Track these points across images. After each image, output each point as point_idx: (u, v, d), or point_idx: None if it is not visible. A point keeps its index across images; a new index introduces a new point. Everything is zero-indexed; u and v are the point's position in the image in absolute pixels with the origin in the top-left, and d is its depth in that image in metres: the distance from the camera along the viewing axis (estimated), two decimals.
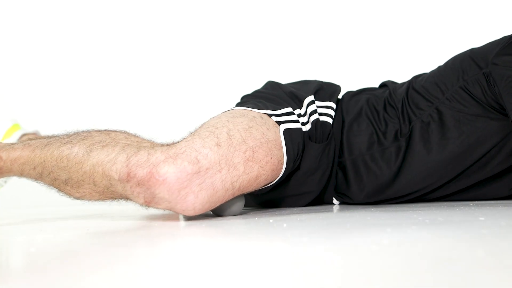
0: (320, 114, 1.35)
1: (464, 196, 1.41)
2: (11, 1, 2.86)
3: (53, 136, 1.24)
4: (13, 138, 1.89)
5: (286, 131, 1.27)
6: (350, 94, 1.50)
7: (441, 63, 1.47)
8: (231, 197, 1.18)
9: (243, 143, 1.17)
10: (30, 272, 0.73)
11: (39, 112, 2.74)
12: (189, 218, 1.27)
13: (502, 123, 1.31)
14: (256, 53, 2.71)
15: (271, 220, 1.13)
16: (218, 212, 1.27)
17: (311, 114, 1.34)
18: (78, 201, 1.25)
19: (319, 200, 1.46)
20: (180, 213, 1.14)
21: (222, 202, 1.17)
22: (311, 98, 1.36)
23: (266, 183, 1.25)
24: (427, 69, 1.52)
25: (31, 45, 2.85)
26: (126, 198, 1.17)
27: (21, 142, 1.26)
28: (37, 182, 1.25)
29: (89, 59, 2.83)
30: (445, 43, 2.44)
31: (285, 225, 1.05)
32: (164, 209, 1.15)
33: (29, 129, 1.97)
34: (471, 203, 1.35)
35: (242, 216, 1.26)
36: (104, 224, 1.27)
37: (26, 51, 2.85)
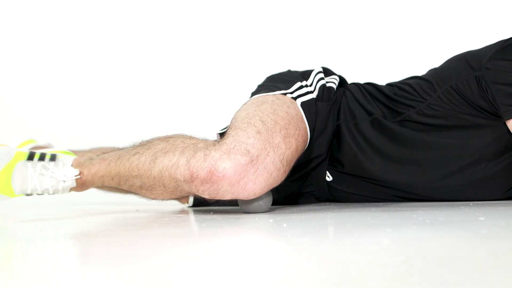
0: (327, 82, 1.48)
1: (458, 197, 1.41)
2: (12, 2, 2.86)
3: (123, 149, 1.39)
4: (25, 148, 1.90)
5: (303, 104, 1.37)
6: (352, 83, 1.58)
7: (441, 63, 1.48)
8: (285, 175, 1.26)
9: (275, 124, 1.27)
10: (30, 272, 0.73)
11: (48, 120, 2.76)
12: (194, 214, 1.27)
13: (491, 123, 1.35)
14: (257, 53, 2.71)
15: (271, 220, 1.14)
16: (247, 209, 1.29)
17: (318, 81, 1.45)
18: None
19: (314, 174, 1.48)
20: (244, 199, 1.24)
21: (279, 182, 1.25)
22: (319, 69, 1.49)
23: (302, 152, 1.34)
24: (427, 69, 1.53)
25: (37, 52, 2.85)
26: (194, 194, 1.28)
27: (97, 156, 1.42)
28: (118, 188, 1.42)
29: (93, 63, 2.83)
30: (445, 43, 2.44)
31: (285, 225, 1.06)
32: (230, 199, 1.23)
33: (41, 142, 1.99)
34: (471, 203, 1.35)
35: (242, 216, 1.26)
36: (104, 224, 1.27)
37: (32, 57, 2.85)
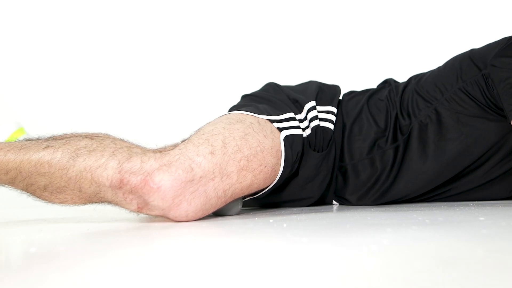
0: (321, 119, 1.34)
1: (464, 197, 1.41)
2: (13, 2, 2.86)
3: (27, 140, 1.19)
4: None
5: (287, 138, 1.26)
6: (350, 95, 1.48)
7: (441, 63, 1.46)
8: (224, 204, 1.19)
9: (238, 151, 1.16)
10: (30, 272, 0.73)
11: (41, 115, 2.75)
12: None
13: (500, 124, 1.32)
14: (256, 53, 2.71)
15: (271, 220, 1.13)
16: (217, 212, 1.27)
17: (311, 120, 1.33)
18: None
19: (319, 201, 1.45)
20: (173, 220, 1.15)
21: (215, 210, 1.18)
22: (312, 103, 1.35)
23: (258, 190, 1.26)
24: (427, 69, 1.52)
25: (33, 48, 2.85)
26: (115, 204, 1.16)
27: None
28: (5, 187, 1.20)
29: (90, 61, 2.83)
30: (445, 43, 2.44)
31: (285, 225, 1.05)
32: (156, 215, 1.15)
33: (33, 134, 1.97)
34: (471, 203, 1.35)
35: (242, 216, 1.26)
36: (104, 224, 1.27)
37: (29, 53, 2.85)
